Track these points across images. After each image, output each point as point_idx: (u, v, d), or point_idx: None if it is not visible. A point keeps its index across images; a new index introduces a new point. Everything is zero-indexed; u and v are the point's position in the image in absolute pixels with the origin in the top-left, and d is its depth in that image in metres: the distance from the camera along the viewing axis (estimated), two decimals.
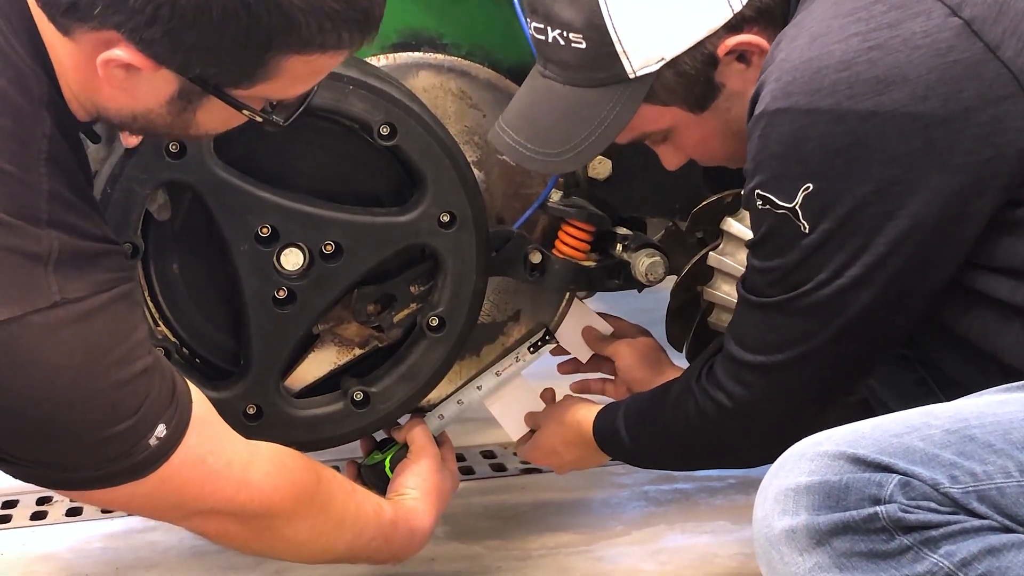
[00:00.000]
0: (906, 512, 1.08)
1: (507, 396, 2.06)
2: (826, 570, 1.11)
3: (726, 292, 1.87)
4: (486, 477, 2.74)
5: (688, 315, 1.97)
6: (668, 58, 1.49)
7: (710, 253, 1.87)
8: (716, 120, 1.56)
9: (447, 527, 2.50)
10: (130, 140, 1.66)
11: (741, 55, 1.50)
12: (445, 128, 1.82)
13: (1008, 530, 1.11)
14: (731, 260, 1.85)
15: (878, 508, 1.09)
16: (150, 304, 1.79)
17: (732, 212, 1.85)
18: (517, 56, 1.90)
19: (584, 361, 2.10)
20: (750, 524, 2.28)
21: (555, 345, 2.10)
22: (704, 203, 1.88)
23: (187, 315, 1.81)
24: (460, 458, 2.82)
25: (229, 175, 1.71)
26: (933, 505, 1.10)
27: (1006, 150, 1.27)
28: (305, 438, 1.82)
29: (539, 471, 2.77)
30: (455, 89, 1.90)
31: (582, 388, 2.13)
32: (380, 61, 1.88)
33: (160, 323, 1.80)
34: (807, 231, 1.35)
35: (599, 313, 2.16)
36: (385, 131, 1.74)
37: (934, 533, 1.09)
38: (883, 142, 1.29)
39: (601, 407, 1.87)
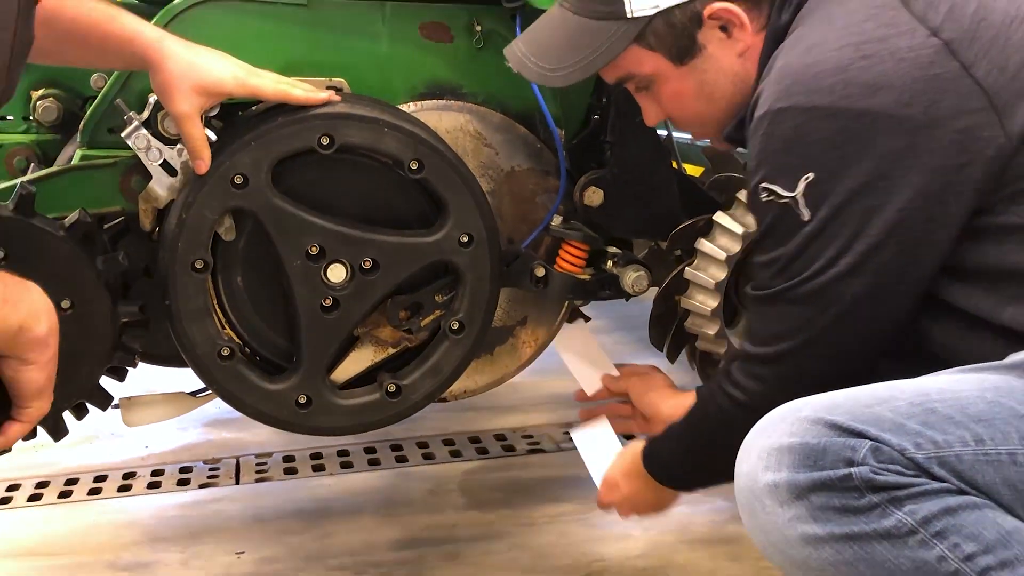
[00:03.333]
0: (876, 474, 1.08)
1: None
2: (804, 521, 1.11)
3: (700, 301, 1.85)
4: (498, 456, 2.73)
5: (667, 320, 1.95)
6: (662, 7, 1.47)
7: (686, 268, 1.85)
8: (692, 78, 1.52)
9: (466, 499, 2.50)
10: (202, 170, 1.66)
11: (723, 26, 1.47)
12: (464, 163, 1.80)
13: (963, 492, 1.11)
14: (703, 274, 1.83)
15: (852, 469, 1.09)
16: (218, 311, 1.75)
17: (704, 234, 1.84)
18: (523, 103, 1.90)
19: (590, 393, 2.01)
20: (720, 496, 2.29)
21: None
22: (681, 227, 1.87)
23: (249, 320, 1.79)
24: (476, 439, 2.83)
25: (284, 203, 1.69)
26: (899, 468, 1.10)
27: (977, 156, 1.25)
28: (347, 423, 1.81)
29: (543, 451, 2.77)
30: (472, 131, 1.88)
31: (590, 415, 2.04)
32: (410, 107, 1.85)
33: (226, 327, 1.77)
34: (807, 219, 1.31)
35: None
36: (414, 166, 1.72)
37: (899, 493, 1.09)
38: (873, 139, 1.27)
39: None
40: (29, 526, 2.41)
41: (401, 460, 2.69)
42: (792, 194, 1.31)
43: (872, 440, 1.10)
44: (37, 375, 1.24)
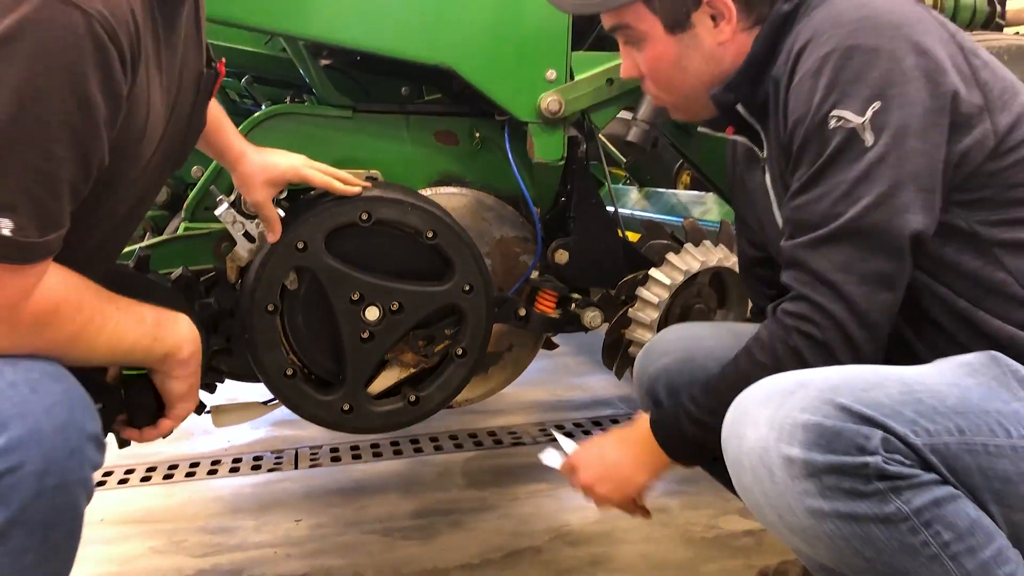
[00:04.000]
0: (886, 464, 0.97)
1: None
2: (812, 496, 0.98)
3: (639, 334, 1.82)
4: (490, 448, 2.69)
5: (616, 347, 1.92)
6: None
7: (629, 310, 1.84)
8: (675, 48, 1.31)
9: (466, 480, 2.46)
10: (274, 239, 1.64)
11: (714, 15, 1.28)
12: (467, 233, 1.75)
13: (946, 482, 1.00)
14: (642, 314, 1.81)
15: (868, 459, 0.97)
16: (284, 342, 1.71)
17: (643, 284, 1.83)
18: (510, 189, 1.84)
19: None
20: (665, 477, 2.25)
21: None
22: (625, 279, 1.85)
23: (308, 349, 1.73)
24: (474, 435, 2.79)
25: (334, 262, 1.66)
26: (902, 459, 0.99)
27: (980, 134, 1.12)
28: (380, 425, 1.76)
29: (524, 443, 2.73)
30: (473, 209, 1.84)
31: None
32: (428, 191, 1.82)
33: (290, 353, 1.72)
34: (870, 145, 1.10)
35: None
36: (430, 235, 1.69)
37: (901, 483, 0.98)
38: (921, 93, 1.09)
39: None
40: (141, 500, 2.37)
41: (418, 451, 2.65)
42: (860, 120, 1.11)
43: (881, 429, 0.98)
44: (180, 385, 1.25)
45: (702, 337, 1.52)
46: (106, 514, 2.27)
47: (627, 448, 1.35)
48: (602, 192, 1.92)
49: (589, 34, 1.88)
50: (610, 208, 1.97)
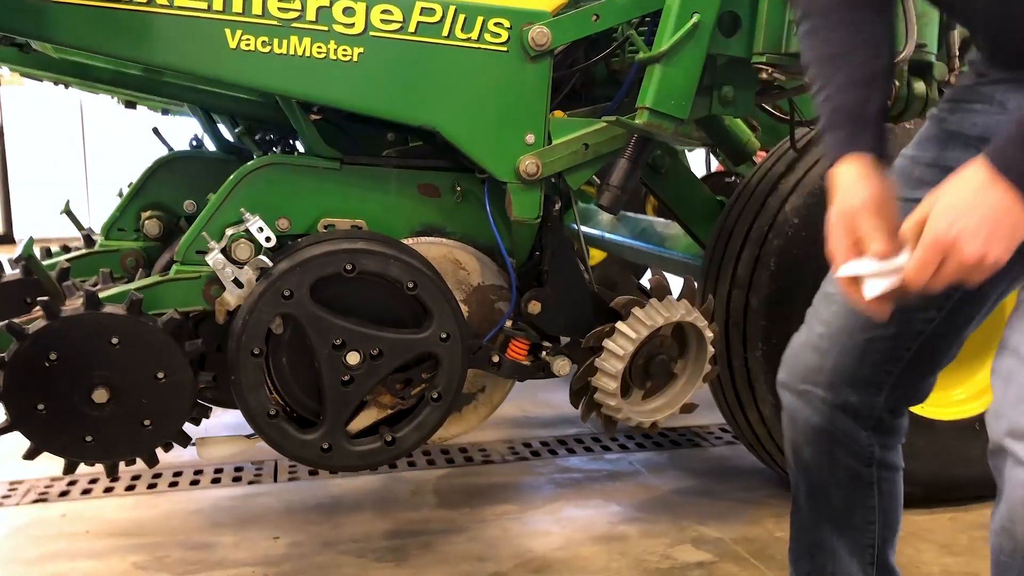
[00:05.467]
0: None
1: None
2: None
3: (605, 382, 1.85)
4: (461, 464, 2.72)
5: (583, 392, 1.94)
6: None
7: (596, 359, 1.87)
8: None
9: (438, 499, 2.49)
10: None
11: None
12: (445, 283, 1.80)
13: None
14: (608, 364, 1.84)
15: None
16: (268, 382, 1.75)
17: (609, 336, 1.87)
18: (488, 240, 1.87)
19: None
20: (617, 502, 2.30)
21: None
22: (594, 331, 1.87)
23: (291, 389, 1.77)
24: (446, 451, 2.83)
25: (318, 310, 1.69)
26: None
27: None
28: (357, 464, 1.79)
29: (493, 462, 2.77)
30: (452, 258, 1.87)
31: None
32: (410, 241, 1.85)
33: (274, 393, 1.76)
34: None
35: None
36: (411, 285, 1.72)
37: None
38: None
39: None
40: (126, 511, 2.39)
41: (392, 467, 2.67)
42: None
43: None
44: None
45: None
46: (92, 525, 2.30)
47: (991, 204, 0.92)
48: (567, 216, 1.94)
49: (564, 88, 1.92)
50: (574, 226, 1.98)
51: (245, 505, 2.44)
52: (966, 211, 0.92)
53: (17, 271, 1.98)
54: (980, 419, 2.38)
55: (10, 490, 2.57)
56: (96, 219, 7.36)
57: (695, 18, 1.64)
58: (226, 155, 2.11)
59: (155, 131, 2.54)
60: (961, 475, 2.35)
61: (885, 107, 1.12)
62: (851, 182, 1.07)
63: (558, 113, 1.85)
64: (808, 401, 1.29)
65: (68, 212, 2.63)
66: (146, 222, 2.06)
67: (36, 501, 2.48)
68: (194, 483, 2.58)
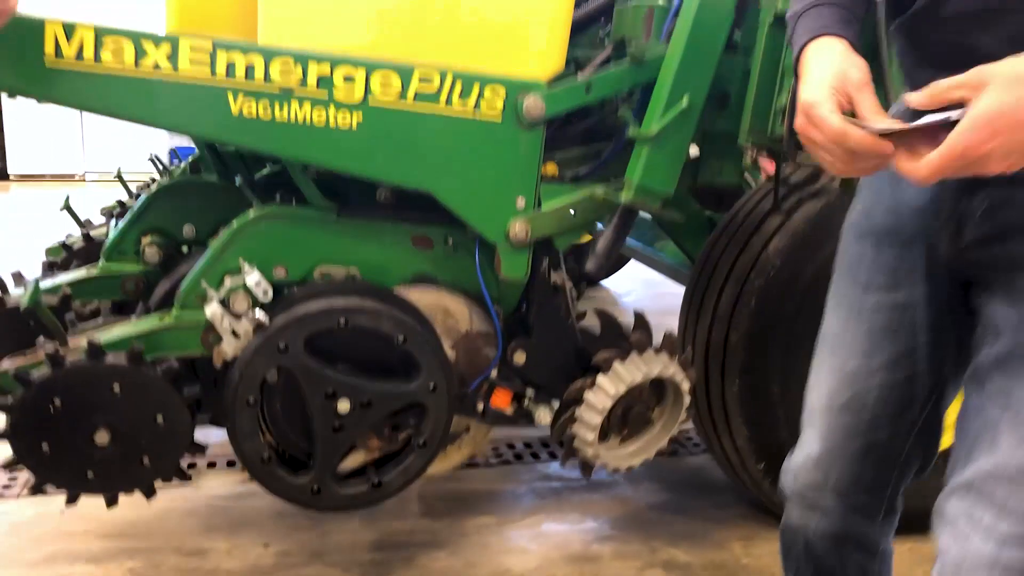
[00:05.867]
0: None
1: None
2: None
3: (584, 432, 1.93)
4: None
5: (562, 432, 2.01)
6: None
7: (577, 410, 1.94)
8: None
9: (423, 505, 2.59)
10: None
11: None
12: (436, 334, 1.86)
13: None
14: (587, 415, 1.91)
15: None
16: (264, 428, 1.83)
17: (590, 388, 1.95)
18: (477, 289, 1.92)
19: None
20: (593, 517, 2.38)
21: None
22: (576, 382, 1.94)
23: (284, 433, 1.84)
24: None
25: (312, 362, 1.76)
26: None
27: None
28: (345, 505, 1.87)
29: (477, 465, 2.86)
30: (443, 306, 1.92)
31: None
32: (403, 289, 1.89)
33: (267, 435, 1.84)
34: None
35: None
36: (401, 339, 1.78)
37: None
38: None
39: None
40: (123, 511, 2.45)
41: None
42: None
43: None
44: None
45: None
46: (90, 525, 2.40)
47: None
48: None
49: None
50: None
51: (237, 507, 2.53)
52: (1012, 127, 0.80)
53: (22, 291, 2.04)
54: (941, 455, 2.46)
55: (10, 479, 2.66)
56: (90, 159, 7.43)
57: (685, 100, 1.68)
58: (226, 182, 2.15)
59: (67, 207, 2.56)
60: (919, 506, 2.45)
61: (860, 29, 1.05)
62: (843, 55, 0.97)
63: (549, 167, 1.90)
64: (818, 509, 1.29)
65: (68, 208, 2.68)
66: (146, 248, 2.10)
67: (35, 494, 2.56)
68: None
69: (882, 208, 1.16)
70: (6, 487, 2.63)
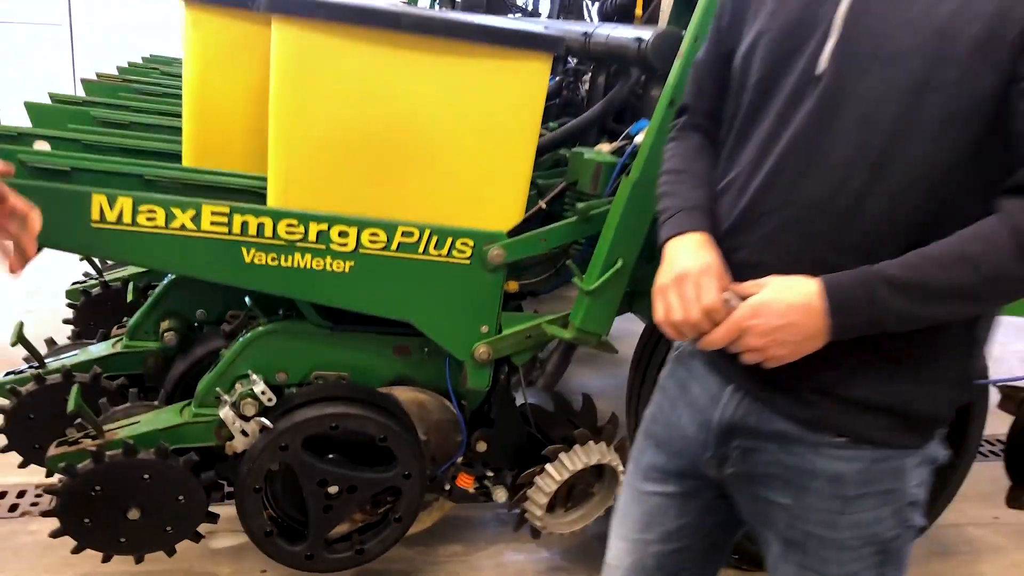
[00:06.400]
0: None
1: None
2: None
3: (534, 510, 2.32)
4: None
5: (516, 506, 2.41)
6: None
7: (528, 491, 2.33)
8: None
9: None
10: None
11: None
12: (412, 428, 2.20)
13: None
14: (537, 496, 2.29)
15: None
16: (266, 505, 2.21)
17: (539, 474, 2.32)
18: (446, 388, 2.28)
19: None
20: (548, 548, 2.75)
21: None
22: (528, 470, 2.30)
23: (283, 507, 2.21)
24: None
25: (308, 458, 2.11)
26: None
27: None
28: (333, 568, 2.24)
29: None
30: (418, 400, 2.26)
31: None
32: (385, 388, 2.23)
33: (268, 510, 2.20)
34: None
35: None
36: (382, 437, 2.14)
37: None
38: None
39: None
40: None
41: None
42: None
43: None
44: None
45: None
46: None
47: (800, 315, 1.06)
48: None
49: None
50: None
51: (239, 538, 2.87)
52: (776, 313, 1.06)
53: (58, 376, 2.39)
54: None
55: (36, 497, 3.03)
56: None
57: (619, 263, 2.03)
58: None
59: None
60: None
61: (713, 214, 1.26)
62: (697, 248, 1.18)
63: (512, 285, 2.25)
64: None
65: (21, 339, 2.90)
66: (165, 333, 2.45)
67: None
68: None
69: (663, 421, 1.38)
70: (34, 504, 3.00)
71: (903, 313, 1.03)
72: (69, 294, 3.15)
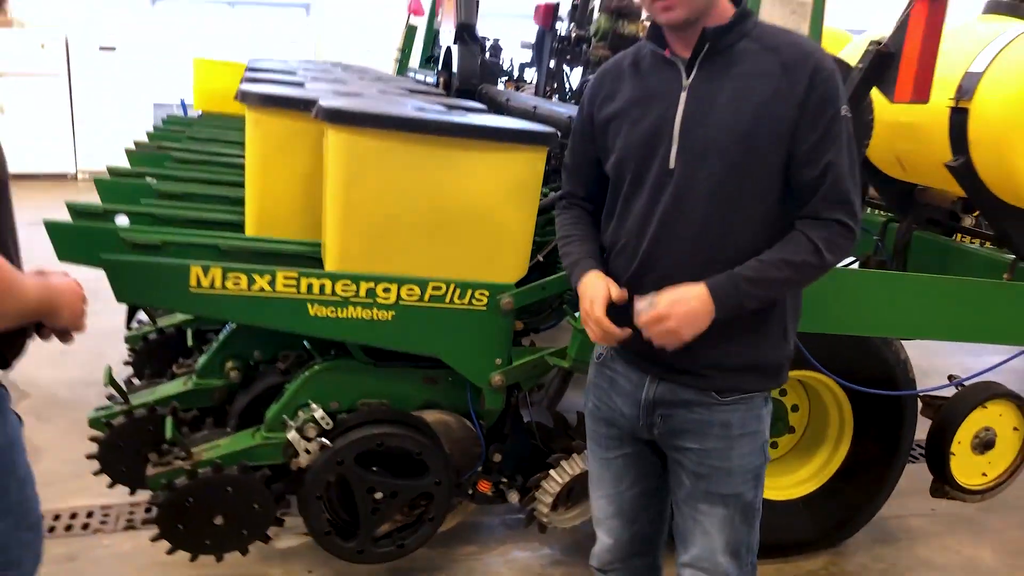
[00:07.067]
0: None
1: None
2: None
3: (541, 508, 2.86)
4: None
5: (526, 507, 2.95)
6: None
7: (536, 492, 2.87)
8: None
9: None
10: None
11: None
12: (441, 443, 2.71)
13: None
14: (543, 496, 2.83)
15: None
16: (325, 509, 2.74)
17: (544, 479, 2.85)
18: (467, 411, 2.82)
19: None
20: (549, 546, 3.29)
21: None
22: (536, 475, 2.85)
23: (336, 509, 2.72)
24: None
25: (359, 470, 2.61)
26: None
27: None
28: (379, 560, 2.75)
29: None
30: (445, 420, 2.77)
31: None
32: (417, 412, 2.79)
33: (326, 513, 2.72)
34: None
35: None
36: (417, 453, 2.65)
37: None
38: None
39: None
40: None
41: None
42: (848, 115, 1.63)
43: None
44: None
45: None
46: (178, 555, 3.27)
47: (695, 305, 1.60)
48: None
49: None
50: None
51: (288, 542, 3.38)
52: (678, 302, 1.59)
53: (143, 411, 2.91)
54: (802, 499, 3.41)
55: (104, 516, 3.52)
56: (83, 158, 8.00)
57: None
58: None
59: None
60: (787, 538, 3.41)
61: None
62: (599, 282, 1.72)
63: (518, 324, 2.80)
64: (613, 573, 2.03)
65: (112, 382, 3.51)
66: (230, 372, 2.97)
67: (126, 528, 3.43)
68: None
69: (606, 408, 1.92)
70: (103, 522, 3.49)
71: (756, 295, 1.61)
72: (129, 340, 3.66)
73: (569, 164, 1.92)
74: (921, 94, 2.28)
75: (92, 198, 3.48)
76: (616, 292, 1.70)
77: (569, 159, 1.91)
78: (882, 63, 2.42)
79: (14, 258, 1.51)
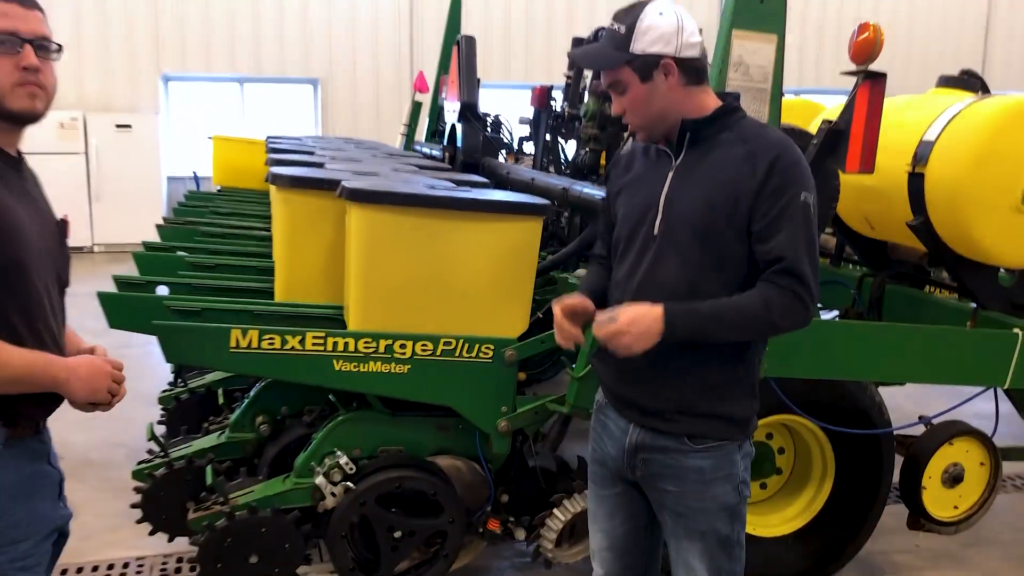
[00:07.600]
0: None
1: None
2: None
3: (545, 543, 3.14)
4: None
5: (532, 543, 3.23)
6: (645, 52, 1.87)
7: (540, 530, 3.15)
8: (645, 93, 1.90)
9: None
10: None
11: (666, 73, 1.89)
12: (452, 488, 2.99)
13: None
14: (547, 533, 3.09)
15: None
16: (349, 547, 3.03)
17: (548, 517, 3.13)
18: (476, 455, 3.12)
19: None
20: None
21: None
22: (541, 514, 3.13)
23: (360, 548, 3.00)
24: None
25: (379, 510, 2.91)
26: None
27: None
28: None
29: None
30: (456, 465, 3.04)
31: None
32: (431, 458, 3.11)
33: (353, 551, 3.01)
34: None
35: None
36: (432, 494, 2.93)
37: None
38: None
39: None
40: None
41: None
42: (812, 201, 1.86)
43: None
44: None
45: None
46: None
47: (649, 324, 1.81)
48: None
49: None
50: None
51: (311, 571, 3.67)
52: (636, 321, 1.80)
53: (183, 462, 3.21)
54: (790, 536, 3.66)
55: (139, 567, 3.79)
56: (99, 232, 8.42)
57: None
58: None
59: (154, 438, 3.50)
60: (775, 573, 3.66)
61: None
62: (574, 294, 2.05)
63: (520, 375, 3.12)
64: None
65: (153, 436, 3.82)
66: (260, 426, 3.29)
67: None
68: None
69: (600, 450, 2.16)
70: (138, 573, 3.75)
71: (704, 329, 1.83)
72: (163, 400, 3.99)
73: (600, 229, 2.25)
74: (867, 165, 2.63)
75: (110, 270, 3.82)
76: (582, 304, 2.01)
77: (601, 225, 2.25)
78: (834, 138, 2.77)
79: (26, 337, 1.64)
